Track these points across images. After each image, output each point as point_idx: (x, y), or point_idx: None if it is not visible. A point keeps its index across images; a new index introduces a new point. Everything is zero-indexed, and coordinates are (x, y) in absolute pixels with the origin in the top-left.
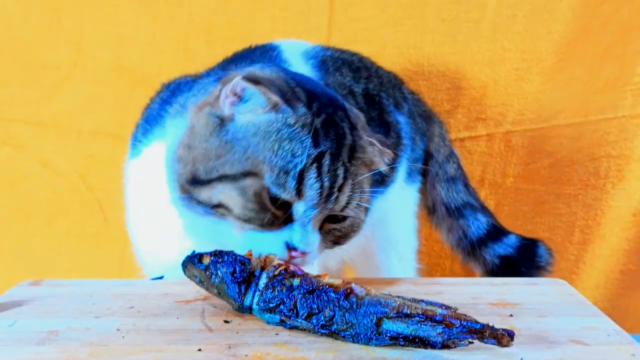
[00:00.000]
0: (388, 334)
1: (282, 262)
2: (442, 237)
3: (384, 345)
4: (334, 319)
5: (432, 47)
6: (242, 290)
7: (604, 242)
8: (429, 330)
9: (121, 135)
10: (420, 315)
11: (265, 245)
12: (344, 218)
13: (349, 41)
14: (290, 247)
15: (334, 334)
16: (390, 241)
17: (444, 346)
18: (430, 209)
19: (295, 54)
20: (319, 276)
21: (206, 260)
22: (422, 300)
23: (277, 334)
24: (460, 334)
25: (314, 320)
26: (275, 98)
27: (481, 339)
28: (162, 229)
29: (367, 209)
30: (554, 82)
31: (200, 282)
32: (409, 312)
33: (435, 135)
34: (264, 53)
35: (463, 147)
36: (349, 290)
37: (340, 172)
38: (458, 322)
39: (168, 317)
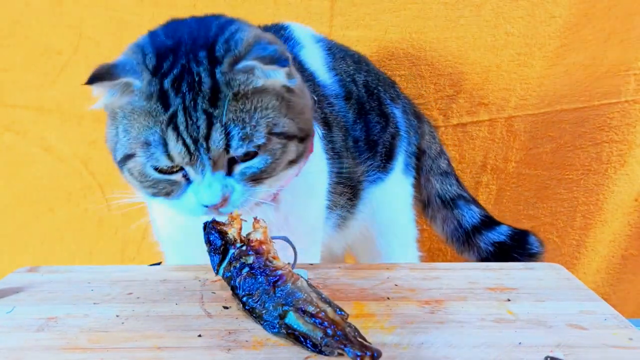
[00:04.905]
0: (285, 327)
1: (260, 234)
2: (436, 229)
3: (284, 337)
4: (257, 303)
5: (435, 31)
6: (218, 261)
7: (606, 227)
8: (316, 333)
9: None
10: (312, 317)
11: (190, 212)
12: (252, 155)
13: (351, 26)
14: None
15: (257, 319)
16: (391, 227)
17: (320, 351)
18: (425, 202)
19: (305, 35)
20: (275, 258)
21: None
22: (326, 300)
23: None
24: (334, 342)
25: (250, 301)
26: (114, 84)
27: (346, 351)
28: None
29: (286, 139)
30: (557, 66)
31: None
32: (306, 309)
33: (426, 134)
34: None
35: (465, 132)
36: (277, 278)
37: (202, 122)
38: (333, 330)
39: (167, 303)
